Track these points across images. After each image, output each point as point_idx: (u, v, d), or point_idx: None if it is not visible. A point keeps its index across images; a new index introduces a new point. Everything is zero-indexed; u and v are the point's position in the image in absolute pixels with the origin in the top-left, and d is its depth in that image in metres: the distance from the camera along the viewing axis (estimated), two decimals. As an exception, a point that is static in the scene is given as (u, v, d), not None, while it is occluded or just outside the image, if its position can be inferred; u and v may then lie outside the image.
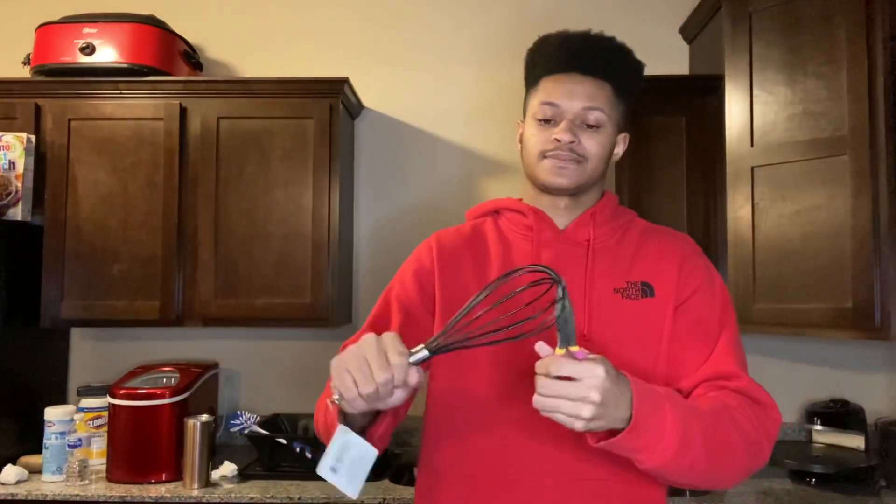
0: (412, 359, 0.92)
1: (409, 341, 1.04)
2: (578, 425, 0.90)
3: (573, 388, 0.89)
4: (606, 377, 0.89)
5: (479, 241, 1.25)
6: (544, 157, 1.17)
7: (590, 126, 1.15)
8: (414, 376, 0.92)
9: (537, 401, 0.91)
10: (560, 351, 0.92)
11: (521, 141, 1.24)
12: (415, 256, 1.28)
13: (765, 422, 1.07)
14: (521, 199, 1.27)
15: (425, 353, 0.92)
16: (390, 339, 0.93)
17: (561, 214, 1.22)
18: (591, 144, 1.16)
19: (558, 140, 1.14)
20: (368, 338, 0.93)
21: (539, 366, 0.92)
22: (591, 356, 0.92)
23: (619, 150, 1.24)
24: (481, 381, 1.14)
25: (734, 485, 1.10)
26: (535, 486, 1.09)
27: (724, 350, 1.12)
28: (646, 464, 0.96)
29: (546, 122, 1.17)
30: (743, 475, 1.06)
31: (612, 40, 1.20)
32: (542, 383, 0.90)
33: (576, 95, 1.15)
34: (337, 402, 0.95)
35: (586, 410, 0.89)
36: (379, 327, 1.18)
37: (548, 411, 0.90)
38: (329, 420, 1.04)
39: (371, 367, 0.90)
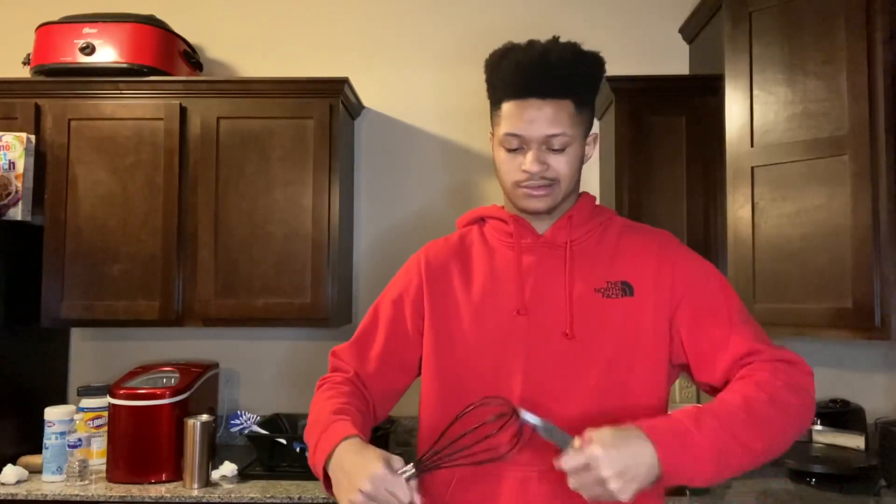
0: (406, 475, 1.04)
1: (393, 356, 1.28)
2: (623, 497, 0.97)
3: (589, 474, 0.97)
4: (605, 451, 0.97)
5: (466, 250, 1.30)
6: (518, 186, 1.20)
7: (556, 150, 1.17)
8: (415, 499, 1.04)
9: (587, 496, 1.00)
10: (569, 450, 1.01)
11: (493, 152, 1.26)
12: (404, 270, 1.34)
13: (800, 380, 1.13)
14: (503, 207, 1.31)
15: (413, 471, 1.05)
16: (393, 482, 1.02)
17: (540, 220, 1.26)
18: (561, 166, 1.18)
19: (528, 171, 1.16)
20: (379, 477, 1.02)
21: (562, 470, 1.01)
22: (591, 436, 0.99)
23: (590, 150, 1.25)
24: (470, 373, 1.20)
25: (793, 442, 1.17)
26: (520, 476, 1.14)
27: (739, 332, 1.17)
28: (696, 485, 1.06)
29: (513, 150, 1.18)
30: (796, 437, 1.12)
31: (564, 52, 1.17)
32: (571, 482, 1.00)
33: (537, 122, 1.15)
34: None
35: (613, 484, 0.96)
36: (365, 342, 1.30)
37: (596, 500, 1.00)
38: (318, 458, 1.13)
39: None
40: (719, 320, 1.18)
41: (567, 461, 0.99)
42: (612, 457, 0.97)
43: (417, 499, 1.03)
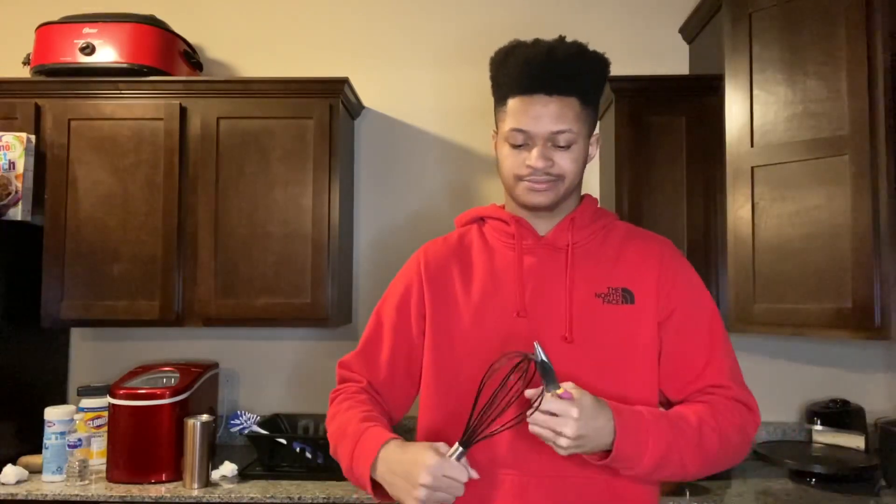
0: (456, 455, 1.08)
1: (402, 361, 1.28)
2: (560, 452, 1.06)
3: (553, 421, 1.04)
4: (581, 415, 1.04)
5: (465, 250, 1.30)
6: (521, 180, 1.20)
7: (561, 146, 1.17)
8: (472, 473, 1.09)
9: (531, 428, 1.07)
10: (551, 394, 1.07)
11: (496, 150, 1.26)
12: (404, 272, 1.33)
13: (747, 426, 1.19)
14: (503, 207, 1.31)
15: (461, 449, 1.09)
16: (448, 466, 1.06)
17: (542, 221, 1.26)
18: (566, 163, 1.18)
19: (532, 167, 1.17)
20: (435, 466, 1.06)
21: (531, 401, 1.07)
22: (575, 393, 1.06)
23: (593, 150, 1.25)
24: (469, 373, 1.18)
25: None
26: (518, 482, 1.15)
27: (717, 363, 1.20)
28: (624, 474, 1.12)
29: (518, 146, 1.19)
30: (719, 471, 1.22)
31: (571, 50, 1.18)
32: (533, 415, 1.06)
33: (543, 118, 1.15)
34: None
35: (563, 441, 1.04)
36: (373, 350, 1.30)
37: (537, 435, 1.07)
38: (361, 468, 1.14)
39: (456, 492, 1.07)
40: (701, 345, 1.21)
41: (546, 402, 1.05)
42: (581, 425, 1.04)
43: (473, 473, 1.08)
